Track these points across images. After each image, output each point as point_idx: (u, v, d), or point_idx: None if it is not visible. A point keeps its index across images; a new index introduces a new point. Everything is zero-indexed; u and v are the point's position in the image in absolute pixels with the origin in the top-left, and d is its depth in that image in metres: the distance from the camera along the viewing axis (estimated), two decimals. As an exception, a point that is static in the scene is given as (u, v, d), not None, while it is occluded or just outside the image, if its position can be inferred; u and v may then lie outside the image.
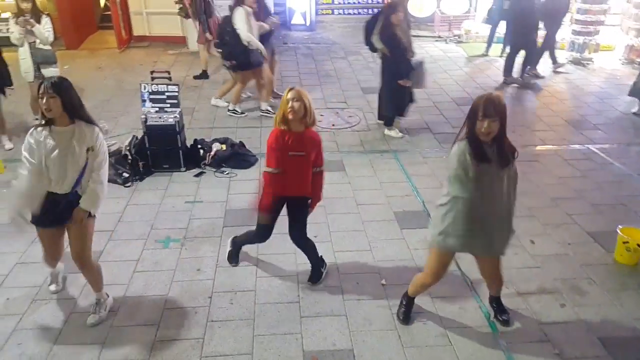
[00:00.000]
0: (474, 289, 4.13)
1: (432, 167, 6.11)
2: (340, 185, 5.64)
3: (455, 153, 3.23)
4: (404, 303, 3.84)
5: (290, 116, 3.61)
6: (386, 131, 7.05)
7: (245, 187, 5.64)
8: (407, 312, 3.81)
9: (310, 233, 4.30)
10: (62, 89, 3.39)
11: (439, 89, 8.76)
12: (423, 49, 11.03)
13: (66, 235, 3.74)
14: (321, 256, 4.26)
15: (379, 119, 7.29)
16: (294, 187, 3.88)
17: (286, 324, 3.77)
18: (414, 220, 5.03)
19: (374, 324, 3.78)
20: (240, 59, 7.15)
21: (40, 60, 6.64)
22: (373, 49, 6.82)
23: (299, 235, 4.11)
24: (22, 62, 6.60)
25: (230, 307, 3.93)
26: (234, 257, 4.44)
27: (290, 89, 3.66)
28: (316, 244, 4.25)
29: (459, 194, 3.23)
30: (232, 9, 7.00)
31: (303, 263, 4.36)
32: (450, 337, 3.67)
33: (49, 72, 6.73)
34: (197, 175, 5.92)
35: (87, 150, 3.50)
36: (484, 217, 3.27)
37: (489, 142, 3.17)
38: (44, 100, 3.33)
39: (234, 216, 5.12)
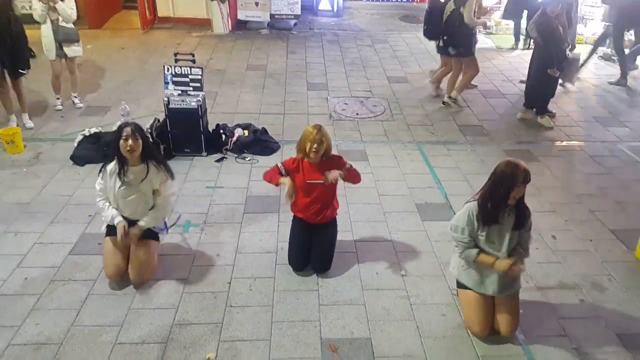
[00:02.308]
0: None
1: (455, 159, 6.03)
2: (363, 175, 5.44)
3: (464, 212, 3.42)
4: None
5: (312, 156, 3.89)
6: (538, 119, 7.03)
7: (266, 174, 5.62)
8: None
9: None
10: (143, 132, 3.79)
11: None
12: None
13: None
14: None
15: (525, 105, 7.23)
16: (316, 215, 4.06)
17: (305, 312, 3.76)
18: (436, 212, 4.97)
19: (392, 314, 3.76)
20: (466, 46, 7.26)
21: (62, 38, 6.61)
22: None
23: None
24: (44, 39, 6.58)
25: (249, 293, 3.93)
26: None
27: (318, 130, 3.84)
28: (338, 233, 4.26)
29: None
30: None
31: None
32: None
33: (71, 50, 6.76)
34: (218, 161, 5.91)
35: (154, 192, 3.87)
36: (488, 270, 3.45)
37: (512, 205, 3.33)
38: (129, 142, 3.65)
39: (255, 203, 5.10)
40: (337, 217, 4.25)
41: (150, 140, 3.93)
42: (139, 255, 3.91)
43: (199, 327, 3.60)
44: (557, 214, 5.02)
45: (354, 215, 4.91)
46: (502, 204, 3.29)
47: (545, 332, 3.63)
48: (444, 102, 7.58)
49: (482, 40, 10.86)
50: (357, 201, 5.11)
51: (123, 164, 3.76)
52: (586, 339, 3.58)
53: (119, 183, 3.79)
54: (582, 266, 4.32)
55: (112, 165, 3.82)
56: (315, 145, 3.82)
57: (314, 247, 4.15)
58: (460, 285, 3.63)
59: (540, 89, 6.94)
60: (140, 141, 3.71)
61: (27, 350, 3.37)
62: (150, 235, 3.99)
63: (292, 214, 4.21)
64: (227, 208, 5.02)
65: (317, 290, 3.97)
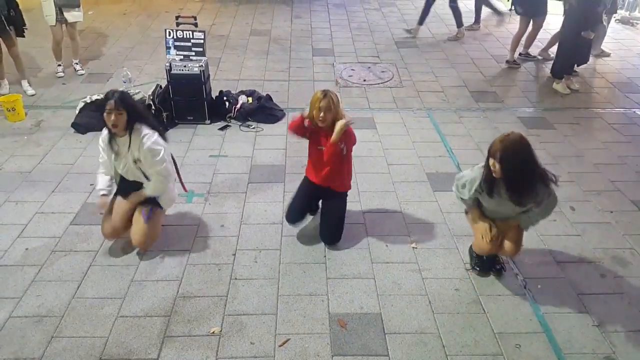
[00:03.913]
0: (509, 256, 3.93)
1: (467, 127, 5.82)
2: (371, 144, 5.41)
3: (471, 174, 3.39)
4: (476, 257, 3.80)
5: (320, 124, 3.72)
6: (554, 84, 6.81)
7: (271, 142, 5.46)
8: (478, 263, 3.78)
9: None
10: (129, 102, 3.53)
11: (477, 44, 8.35)
12: (461, 2, 10.50)
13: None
14: None
15: (552, 72, 7.01)
16: (325, 179, 3.94)
17: (312, 285, 3.63)
18: (448, 182, 4.77)
19: (403, 288, 3.63)
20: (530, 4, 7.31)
21: (63, 3, 6.45)
22: None
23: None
24: (44, 4, 6.41)
25: (255, 265, 3.81)
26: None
27: (324, 97, 3.65)
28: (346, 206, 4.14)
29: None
30: None
31: (330, 222, 4.23)
32: (484, 304, 3.49)
33: (72, 15, 6.61)
34: (222, 129, 5.74)
35: (135, 162, 3.62)
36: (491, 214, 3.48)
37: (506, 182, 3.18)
38: (112, 117, 3.44)
39: (260, 172, 4.95)
40: (348, 192, 4.13)
41: (138, 106, 3.65)
42: (140, 221, 3.78)
43: (203, 300, 3.49)
44: (575, 184, 4.84)
45: (362, 185, 4.75)
46: (488, 176, 3.21)
47: (564, 308, 3.48)
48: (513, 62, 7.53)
49: (495, 3, 10.55)
50: (365, 171, 4.94)
51: (111, 134, 3.59)
52: (608, 315, 3.42)
53: (113, 154, 3.66)
54: (603, 239, 4.15)
55: (104, 136, 3.67)
56: (321, 114, 3.66)
57: (323, 216, 4.05)
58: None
59: (571, 56, 6.64)
60: (125, 113, 3.47)
61: (27, 323, 3.28)
62: (155, 202, 3.85)
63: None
64: (231, 177, 4.88)
65: (325, 263, 3.84)
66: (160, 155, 3.61)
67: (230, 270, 3.76)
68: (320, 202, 4.20)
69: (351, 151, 3.90)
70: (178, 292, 3.55)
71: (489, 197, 3.31)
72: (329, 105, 3.64)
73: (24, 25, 6.23)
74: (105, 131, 3.65)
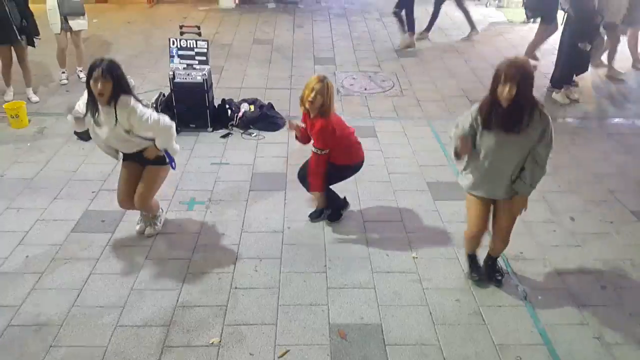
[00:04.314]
0: (509, 265, 3.92)
1: (468, 136, 5.82)
2: (372, 153, 5.41)
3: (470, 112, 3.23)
4: (468, 263, 3.82)
5: (307, 106, 3.79)
6: (553, 94, 6.81)
7: (272, 150, 5.48)
8: (474, 269, 3.79)
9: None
10: (116, 71, 3.46)
11: (477, 54, 8.38)
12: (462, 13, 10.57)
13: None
14: (344, 198, 4.40)
15: (551, 82, 7.01)
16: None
17: (312, 295, 3.63)
18: (448, 191, 4.79)
19: (403, 298, 3.62)
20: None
21: (68, 11, 6.51)
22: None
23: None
24: (49, 13, 6.47)
25: (255, 274, 3.81)
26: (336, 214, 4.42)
27: (319, 81, 3.73)
28: (346, 212, 4.22)
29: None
30: None
31: (330, 233, 4.24)
32: (485, 315, 3.48)
33: (77, 24, 6.67)
34: (224, 136, 5.76)
35: (128, 132, 3.61)
36: (487, 171, 3.30)
37: (506, 108, 3.05)
38: (98, 85, 3.38)
39: (261, 180, 4.96)
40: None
41: (124, 78, 3.54)
42: (144, 176, 3.88)
43: (202, 309, 3.49)
44: (575, 193, 4.84)
45: (363, 194, 4.75)
46: (493, 104, 3.08)
47: (565, 320, 3.47)
48: None
49: (492, 13, 10.61)
50: (366, 179, 4.94)
51: (95, 101, 3.51)
52: (609, 328, 3.41)
53: (92, 120, 3.61)
54: (603, 250, 4.14)
55: (84, 99, 3.59)
56: (312, 95, 3.71)
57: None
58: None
59: (570, 67, 6.66)
60: (111, 83, 3.40)
61: (26, 332, 3.28)
62: (162, 161, 3.88)
63: (301, 185, 4.33)
64: (232, 185, 4.88)
65: (325, 272, 3.84)
66: (152, 117, 3.60)
67: (230, 279, 3.75)
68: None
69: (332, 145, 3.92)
70: (178, 301, 3.55)
71: (487, 130, 3.17)
72: (322, 89, 3.72)
73: (37, 34, 6.28)
74: (85, 95, 3.57)
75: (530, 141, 3.15)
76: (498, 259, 3.80)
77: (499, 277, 3.75)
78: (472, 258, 3.81)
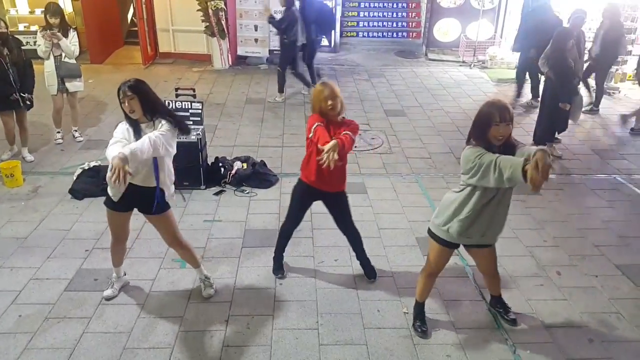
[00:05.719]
0: (499, 320, 3.98)
1: (455, 192, 5.97)
2: (362, 209, 5.55)
3: (472, 152, 3.19)
4: (416, 312, 3.91)
5: (331, 114, 3.81)
6: None
7: (265, 207, 5.58)
8: (420, 319, 3.88)
9: (330, 257, 4.18)
10: (138, 89, 3.54)
11: (463, 113, 8.67)
12: (447, 74, 11.00)
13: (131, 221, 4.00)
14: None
15: (534, 139, 7.20)
16: (329, 182, 4.03)
17: (304, 352, 3.65)
18: (437, 247, 4.89)
19: (395, 354, 3.65)
20: None
21: (65, 73, 6.70)
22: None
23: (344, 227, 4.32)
24: (47, 74, 6.67)
25: (247, 331, 3.83)
26: (278, 270, 4.48)
27: (325, 86, 3.78)
28: (337, 267, 4.19)
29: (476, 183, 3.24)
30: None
31: (322, 288, 4.29)
32: (475, 371, 3.52)
33: (73, 85, 6.85)
34: (217, 194, 5.87)
35: None
36: (485, 207, 3.33)
37: (499, 146, 3.20)
38: (126, 104, 3.49)
39: (253, 236, 5.04)
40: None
41: (154, 95, 3.64)
42: (157, 227, 3.94)
43: (195, 367, 3.50)
44: (560, 248, 4.95)
45: (354, 250, 4.84)
46: (489, 147, 3.15)
47: (553, 373, 3.52)
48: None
49: (477, 74, 11.04)
50: (357, 236, 5.04)
51: (135, 122, 3.58)
52: (597, 381, 3.47)
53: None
54: (589, 303, 4.22)
55: (125, 127, 3.61)
56: (330, 102, 3.75)
57: (339, 224, 4.31)
58: (436, 238, 3.62)
59: (551, 125, 6.94)
60: (137, 98, 3.49)
61: (17, 393, 3.27)
62: (163, 207, 3.83)
63: (293, 186, 4.32)
64: (225, 242, 4.96)
65: (317, 328, 3.87)
66: (165, 127, 3.56)
67: (222, 337, 3.77)
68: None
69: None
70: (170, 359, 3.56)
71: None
72: (332, 92, 3.77)
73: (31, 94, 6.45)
74: (124, 124, 3.61)
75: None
76: (501, 297, 3.98)
77: (513, 317, 3.93)
78: (421, 307, 3.89)
